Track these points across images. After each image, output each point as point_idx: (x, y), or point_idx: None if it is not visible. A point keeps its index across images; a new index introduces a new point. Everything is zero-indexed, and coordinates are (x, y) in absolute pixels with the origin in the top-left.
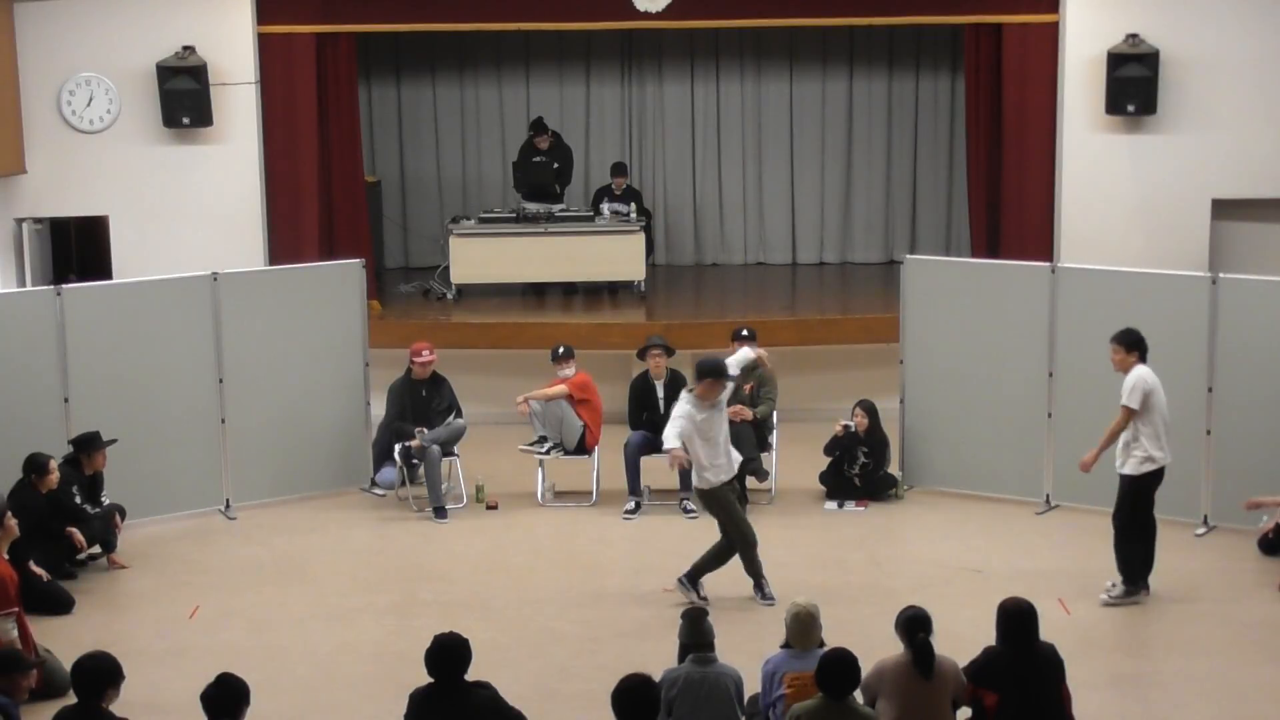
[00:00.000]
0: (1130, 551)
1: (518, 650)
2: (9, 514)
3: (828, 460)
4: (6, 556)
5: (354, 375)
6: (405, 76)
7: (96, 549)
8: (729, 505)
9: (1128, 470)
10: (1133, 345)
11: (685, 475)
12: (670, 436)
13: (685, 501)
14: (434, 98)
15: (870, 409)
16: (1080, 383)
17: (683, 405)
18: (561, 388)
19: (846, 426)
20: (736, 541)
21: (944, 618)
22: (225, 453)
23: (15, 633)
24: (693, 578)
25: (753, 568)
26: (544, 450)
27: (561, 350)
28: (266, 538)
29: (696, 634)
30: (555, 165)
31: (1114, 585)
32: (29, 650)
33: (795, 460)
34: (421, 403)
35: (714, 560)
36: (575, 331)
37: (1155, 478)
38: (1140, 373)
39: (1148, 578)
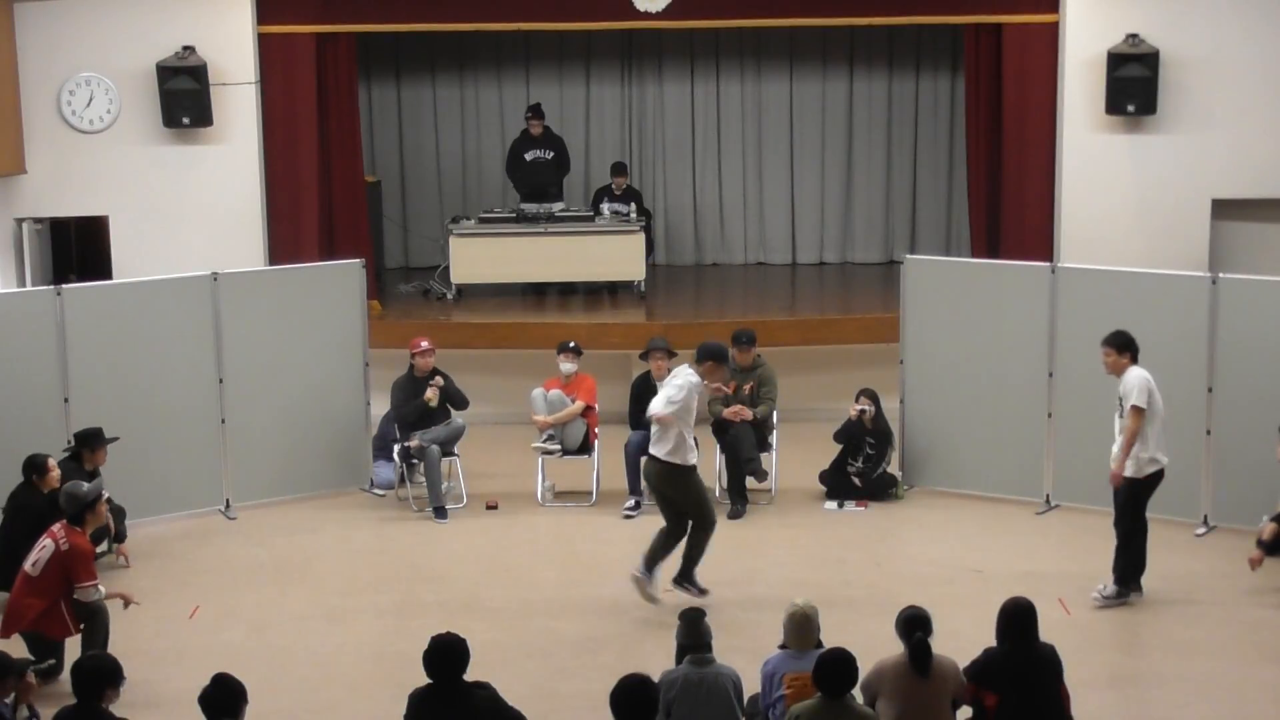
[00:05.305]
0: (1129, 555)
1: (517, 650)
2: (101, 500)
3: (829, 459)
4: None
5: (354, 375)
6: (405, 76)
7: (103, 546)
8: (702, 484)
9: (1129, 473)
10: (1124, 347)
11: None
12: (660, 402)
13: None
14: (434, 98)
15: (875, 398)
16: (1080, 383)
17: (690, 378)
18: (580, 405)
19: (863, 411)
20: (701, 522)
21: (944, 618)
22: (225, 453)
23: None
24: (685, 576)
25: (700, 552)
26: (556, 449)
27: (573, 345)
28: (266, 538)
29: (694, 635)
30: (552, 155)
31: (1105, 586)
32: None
33: (795, 460)
34: (423, 400)
35: (664, 548)
36: (575, 332)
37: (1157, 479)
38: (1139, 373)
39: (1139, 579)
